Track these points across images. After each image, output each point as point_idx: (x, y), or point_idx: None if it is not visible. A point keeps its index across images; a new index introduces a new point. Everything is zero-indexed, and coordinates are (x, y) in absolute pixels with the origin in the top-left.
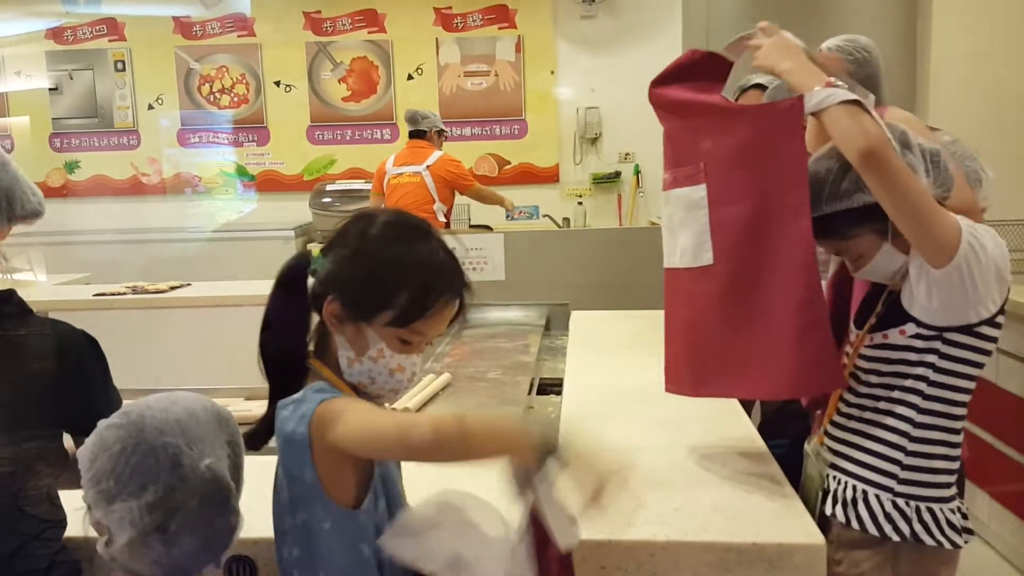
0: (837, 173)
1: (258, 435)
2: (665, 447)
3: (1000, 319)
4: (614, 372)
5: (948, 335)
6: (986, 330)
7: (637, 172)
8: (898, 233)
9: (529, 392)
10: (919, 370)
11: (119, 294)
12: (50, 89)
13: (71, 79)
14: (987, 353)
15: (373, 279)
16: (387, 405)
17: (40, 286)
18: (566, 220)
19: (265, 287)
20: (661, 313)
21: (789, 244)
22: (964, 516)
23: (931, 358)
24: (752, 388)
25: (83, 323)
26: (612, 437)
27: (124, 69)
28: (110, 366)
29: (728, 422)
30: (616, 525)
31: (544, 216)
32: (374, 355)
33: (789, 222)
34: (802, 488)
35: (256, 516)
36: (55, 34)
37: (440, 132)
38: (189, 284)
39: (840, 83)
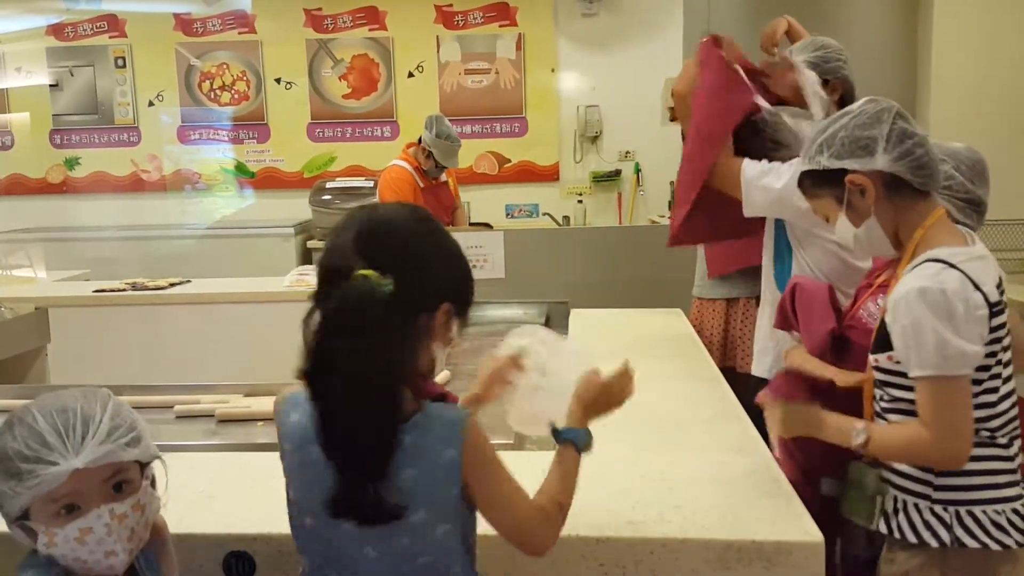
0: (815, 136)
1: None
2: (665, 444)
3: (997, 332)
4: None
5: None
6: (987, 351)
7: (637, 171)
8: (852, 206)
9: None
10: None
11: (119, 290)
12: (51, 85)
13: (72, 75)
14: (996, 355)
15: (464, 271)
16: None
17: (40, 282)
18: (566, 218)
19: (264, 284)
20: (661, 311)
21: None
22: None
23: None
24: None
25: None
26: (611, 434)
27: (124, 66)
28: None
29: (728, 420)
30: (615, 522)
31: (544, 214)
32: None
33: None
34: (849, 502)
35: (254, 511)
36: (56, 30)
37: (429, 154)
38: (189, 281)
39: None
